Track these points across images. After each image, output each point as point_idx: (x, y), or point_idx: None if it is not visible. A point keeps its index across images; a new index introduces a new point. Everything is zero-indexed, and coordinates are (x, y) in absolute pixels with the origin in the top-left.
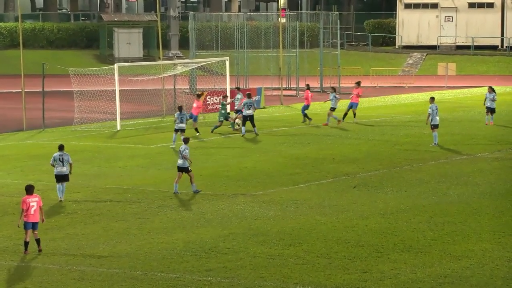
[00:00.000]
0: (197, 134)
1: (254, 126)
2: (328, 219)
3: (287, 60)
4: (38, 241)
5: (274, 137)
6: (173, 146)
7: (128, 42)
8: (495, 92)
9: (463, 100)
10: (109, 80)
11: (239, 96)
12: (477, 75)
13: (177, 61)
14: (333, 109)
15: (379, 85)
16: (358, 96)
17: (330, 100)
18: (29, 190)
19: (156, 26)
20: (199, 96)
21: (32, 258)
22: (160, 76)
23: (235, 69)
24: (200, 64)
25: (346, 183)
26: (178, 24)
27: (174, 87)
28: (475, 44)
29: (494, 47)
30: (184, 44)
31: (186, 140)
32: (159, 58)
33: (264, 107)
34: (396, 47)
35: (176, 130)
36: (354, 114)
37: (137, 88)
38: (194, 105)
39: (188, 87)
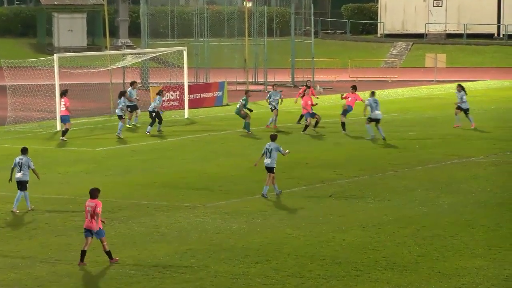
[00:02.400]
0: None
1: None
2: (300, 232)
3: (254, 50)
4: (108, 253)
5: (240, 139)
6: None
7: (70, 29)
8: (465, 91)
9: (454, 96)
10: (47, 73)
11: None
12: (471, 67)
13: (126, 51)
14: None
15: (358, 79)
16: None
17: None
18: (91, 194)
19: (103, 10)
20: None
21: None
22: (107, 68)
23: (194, 60)
24: (153, 55)
25: (322, 191)
26: (128, 8)
27: (124, 81)
28: (468, 32)
29: (490, 36)
30: (135, 31)
31: (274, 137)
32: (106, 47)
33: (227, 104)
34: (378, 35)
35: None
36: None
37: (80, 82)
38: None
39: (140, 81)
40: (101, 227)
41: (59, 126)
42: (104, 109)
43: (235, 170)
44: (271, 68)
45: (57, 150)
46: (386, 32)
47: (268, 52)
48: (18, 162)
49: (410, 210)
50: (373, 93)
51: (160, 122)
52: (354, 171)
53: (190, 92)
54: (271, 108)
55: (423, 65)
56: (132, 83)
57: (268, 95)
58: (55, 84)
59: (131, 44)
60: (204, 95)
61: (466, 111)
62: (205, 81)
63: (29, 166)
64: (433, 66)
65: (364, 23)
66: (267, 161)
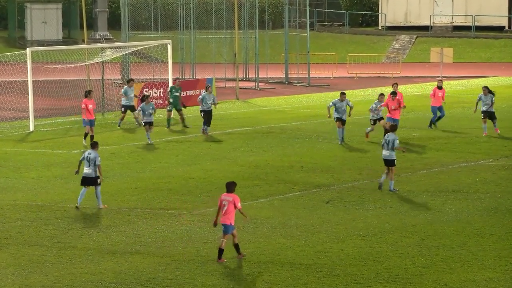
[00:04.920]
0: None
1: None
2: (295, 242)
3: (244, 44)
4: (236, 246)
5: (229, 140)
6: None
7: (43, 21)
8: (494, 94)
9: (461, 94)
10: (20, 68)
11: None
12: (479, 62)
13: (105, 44)
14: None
15: (358, 75)
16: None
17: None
18: (228, 187)
19: (79, 1)
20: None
21: None
22: (84, 63)
23: (179, 55)
24: (134, 49)
25: (318, 198)
26: None
27: (102, 77)
28: (477, 24)
29: (500, 28)
30: (114, 23)
31: (393, 128)
32: (83, 41)
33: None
34: (379, 28)
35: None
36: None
37: (55, 79)
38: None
39: (120, 77)
40: (233, 223)
41: (32, 127)
42: (80, 108)
43: (224, 174)
44: (263, 64)
45: (29, 153)
46: (388, 24)
47: (260, 46)
48: (87, 157)
49: (414, 218)
50: (343, 94)
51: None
52: (353, 176)
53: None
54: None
55: (428, 60)
56: (129, 81)
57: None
58: (28, 80)
59: (111, 37)
60: (190, 92)
61: (492, 115)
62: (191, 77)
63: (95, 163)
64: (438, 61)
65: (363, 15)
66: (385, 152)
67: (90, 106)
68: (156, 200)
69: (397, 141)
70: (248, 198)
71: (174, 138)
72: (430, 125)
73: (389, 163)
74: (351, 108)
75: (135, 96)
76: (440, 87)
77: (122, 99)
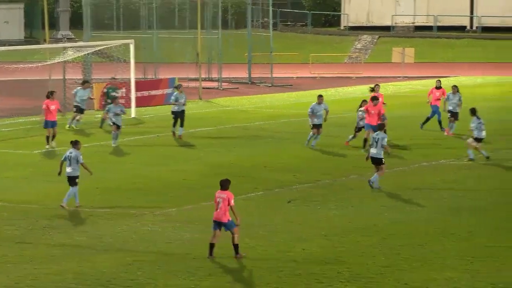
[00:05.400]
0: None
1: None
2: (258, 242)
3: (207, 43)
4: (235, 246)
5: (192, 141)
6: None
7: (5, 20)
8: (460, 93)
9: (423, 93)
10: None
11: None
12: (441, 62)
13: (67, 44)
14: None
15: (320, 76)
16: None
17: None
18: (222, 184)
19: (41, 0)
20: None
21: None
22: (46, 63)
23: (142, 54)
24: (97, 49)
25: (280, 197)
26: None
27: (64, 77)
28: (438, 24)
29: (462, 28)
30: (76, 23)
31: (382, 126)
32: (45, 40)
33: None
34: (342, 28)
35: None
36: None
37: (16, 79)
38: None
39: (82, 77)
40: (230, 219)
41: None
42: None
43: (187, 174)
44: (226, 63)
45: None
46: (350, 24)
47: (223, 45)
48: (68, 156)
49: (376, 217)
50: (320, 96)
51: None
52: (316, 175)
53: (137, 89)
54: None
55: (390, 60)
56: (84, 83)
57: (107, 109)
58: None
59: (73, 36)
60: (153, 92)
61: (456, 116)
62: (153, 77)
63: (77, 161)
64: (400, 61)
65: (326, 15)
66: (373, 150)
67: (53, 107)
68: (118, 201)
69: (385, 140)
70: (211, 198)
71: (137, 138)
72: (440, 125)
73: (376, 161)
74: (327, 112)
75: (91, 98)
76: (438, 87)
77: (74, 99)
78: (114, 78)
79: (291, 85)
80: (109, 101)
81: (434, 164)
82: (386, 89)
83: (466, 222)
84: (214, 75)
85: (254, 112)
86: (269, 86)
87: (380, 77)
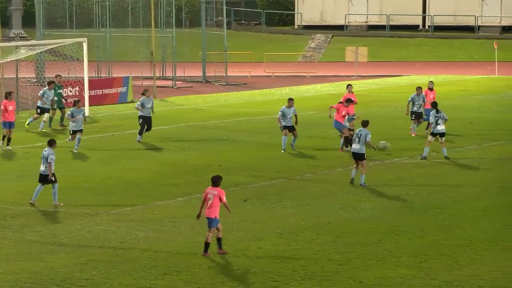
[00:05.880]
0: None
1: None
2: (213, 240)
3: (161, 42)
4: (218, 240)
5: (147, 140)
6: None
7: None
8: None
9: (376, 92)
10: None
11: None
12: (394, 61)
13: (20, 43)
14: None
15: (275, 74)
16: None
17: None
18: (213, 181)
19: None
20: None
21: None
22: None
23: (95, 53)
24: (49, 47)
25: (236, 196)
26: None
27: (17, 75)
28: (391, 23)
29: (415, 27)
30: (29, 21)
31: (366, 123)
32: None
33: (132, 101)
34: (296, 27)
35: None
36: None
37: None
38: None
39: (35, 76)
40: (217, 217)
41: None
42: None
43: (142, 173)
44: (180, 62)
45: None
46: (304, 23)
47: (177, 44)
48: (42, 154)
49: (330, 216)
50: (290, 99)
51: (147, 130)
52: (271, 174)
53: (90, 88)
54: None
55: (344, 59)
56: (50, 83)
57: (140, 103)
58: None
59: (25, 35)
60: (107, 91)
61: (420, 116)
62: (107, 75)
63: (47, 159)
64: (354, 60)
65: (280, 14)
66: (355, 146)
67: (10, 108)
68: (72, 200)
69: (369, 136)
70: (166, 197)
71: (91, 137)
72: (427, 128)
73: (359, 157)
74: (296, 116)
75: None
76: (431, 89)
77: (39, 100)
78: (59, 76)
79: (246, 83)
80: (56, 98)
81: (388, 163)
82: (340, 88)
83: (420, 220)
84: (169, 73)
85: (208, 111)
86: (224, 85)
87: (334, 76)
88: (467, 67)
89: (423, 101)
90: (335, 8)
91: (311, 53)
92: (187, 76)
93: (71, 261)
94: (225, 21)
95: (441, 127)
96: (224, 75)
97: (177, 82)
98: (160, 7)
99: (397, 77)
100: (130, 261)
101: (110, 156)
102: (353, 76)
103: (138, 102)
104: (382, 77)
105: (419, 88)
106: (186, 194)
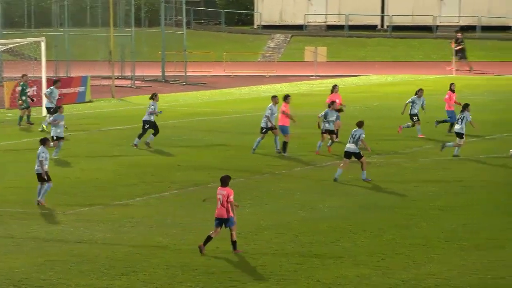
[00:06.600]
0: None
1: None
2: (171, 241)
3: (120, 41)
4: (233, 243)
5: (105, 139)
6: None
7: None
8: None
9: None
10: None
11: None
12: (353, 61)
13: None
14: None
15: (234, 74)
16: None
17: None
18: (222, 181)
19: None
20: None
21: None
22: None
23: (54, 52)
24: (7, 47)
25: (195, 196)
26: None
27: None
28: (350, 23)
29: (373, 27)
30: None
31: (361, 123)
32: None
33: (90, 101)
34: (255, 26)
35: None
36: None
37: None
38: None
39: None
40: (232, 216)
41: None
42: None
43: (100, 173)
44: (139, 62)
45: None
46: (264, 23)
47: (136, 44)
48: (37, 153)
49: (289, 215)
50: (274, 97)
51: (155, 134)
52: (230, 174)
53: (48, 88)
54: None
55: (303, 59)
56: (55, 82)
57: (53, 118)
58: None
59: None
60: (65, 90)
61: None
62: (65, 75)
63: (38, 158)
64: (313, 60)
65: (239, 14)
66: (350, 146)
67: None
68: (29, 200)
69: (363, 136)
70: (124, 197)
71: (50, 137)
72: (449, 130)
73: (355, 156)
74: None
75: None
76: (453, 91)
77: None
78: (25, 75)
79: (205, 83)
80: (23, 98)
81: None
82: (299, 87)
83: (377, 219)
84: (128, 73)
85: (168, 111)
86: (183, 85)
87: (293, 75)
88: (424, 66)
89: (423, 103)
90: (295, 8)
91: (270, 52)
92: (146, 76)
93: (28, 261)
94: (184, 20)
95: (457, 127)
96: (184, 74)
97: (136, 82)
98: (119, 7)
99: (356, 77)
100: (87, 261)
101: (67, 156)
102: (312, 76)
103: (152, 107)
104: (341, 77)
105: (420, 90)
106: (145, 194)
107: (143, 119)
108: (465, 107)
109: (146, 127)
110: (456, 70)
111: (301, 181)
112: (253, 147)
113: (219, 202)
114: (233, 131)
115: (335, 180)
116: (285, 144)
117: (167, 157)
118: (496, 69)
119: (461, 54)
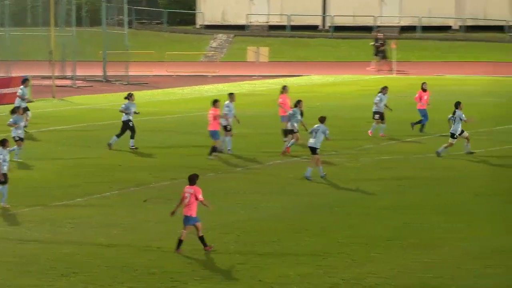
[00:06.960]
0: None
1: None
2: (112, 241)
3: (61, 41)
4: (201, 239)
5: (46, 140)
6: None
7: None
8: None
9: (278, 92)
10: None
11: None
12: (296, 61)
13: None
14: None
15: (176, 74)
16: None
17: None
18: (190, 179)
19: None
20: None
21: None
22: None
23: None
24: None
25: (136, 196)
26: None
27: None
28: (292, 23)
29: (315, 27)
30: None
31: (323, 119)
32: None
33: (31, 101)
34: (198, 26)
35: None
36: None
37: None
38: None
39: None
40: (195, 215)
41: None
42: None
43: (41, 174)
44: (81, 61)
45: None
46: (206, 23)
47: (78, 43)
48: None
49: (231, 215)
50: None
51: (132, 137)
52: (171, 174)
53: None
54: None
55: (245, 59)
56: (24, 81)
57: (14, 121)
58: None
59: None
60: (5, 90)
61: (384, 117)
62: (6, 75)
63: (3, 159)
64: (255, 60)
65: (182, 13)
66: (311, 140)
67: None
68: None
69: (328, 132)
70: (65, 198)
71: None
72: (421, 129)
73: (311, 150)
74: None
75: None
76: (425, 90)
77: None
78: None
79: (147, 83)
80: None
81: (291, 161)
82: (241, 87)
83: (320, 218)
84: (68, 72)
85: (109, 110)
86: (125, 84)
87: (236, 75)
88: (366, 67)
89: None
90: (237, 8)
91: (213, 52)
92: (87, 76)
93: None
94: (126, 20)
95: (453, 128)
96: (126, 74)
97: (77, 82)
98: (60, 6)
99: (298, 77)
100: (28, 262)
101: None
102: (254, 76)
103: (123, 106)
104: (283, 77)
105: (385, 88)
106: (86, 195)
107: (122, 119)
108: (457, 105)
109: (131, 124)
110: (378, 71)
111: (245, 181)
112: (228, 148)
113: (186, 200)
114: (176, 131)
115: (307, 178)
116: (213, 149)
117: (108, 157)
118: (431, 69)
119: (382, 54)
